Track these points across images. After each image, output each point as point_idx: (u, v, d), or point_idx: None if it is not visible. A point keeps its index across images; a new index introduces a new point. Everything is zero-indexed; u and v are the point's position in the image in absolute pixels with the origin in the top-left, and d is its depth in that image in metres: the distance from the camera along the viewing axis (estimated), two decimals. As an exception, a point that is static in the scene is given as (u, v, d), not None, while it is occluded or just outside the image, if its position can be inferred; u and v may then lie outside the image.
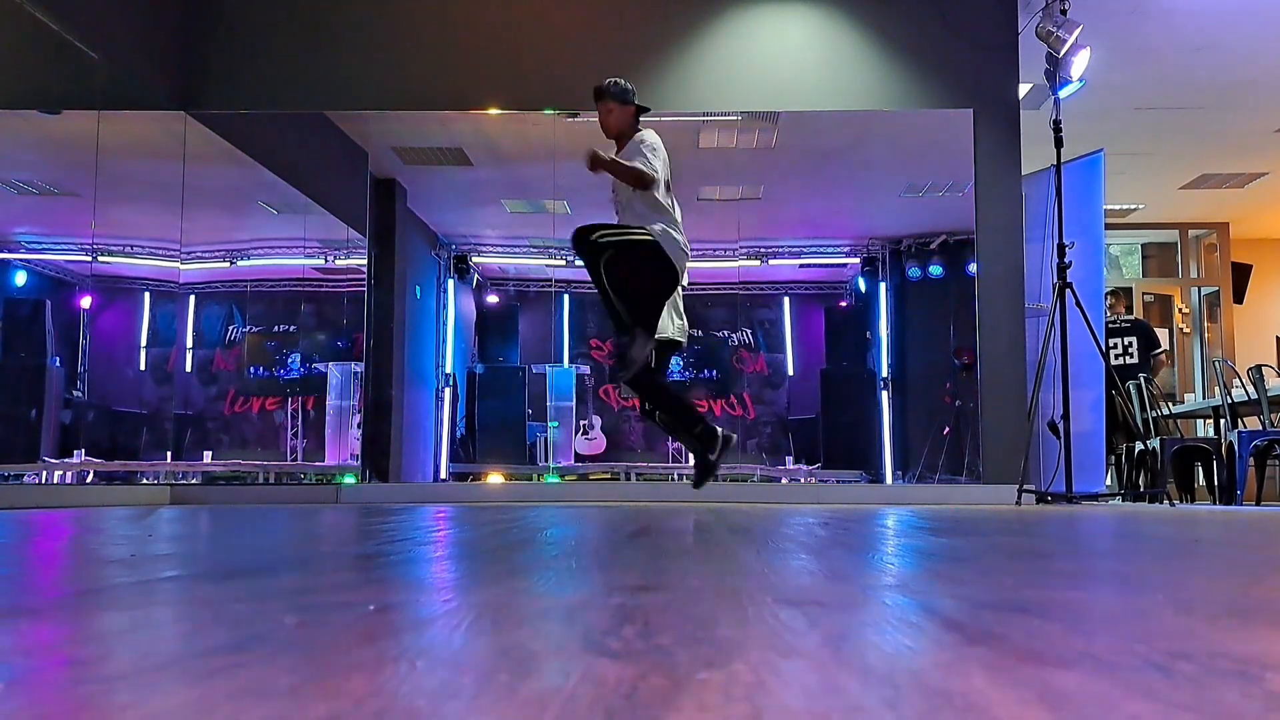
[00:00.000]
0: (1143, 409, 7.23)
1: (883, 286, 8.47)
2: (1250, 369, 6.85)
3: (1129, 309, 9.96)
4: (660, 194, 4.57)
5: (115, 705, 0.58)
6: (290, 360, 8.03)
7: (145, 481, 7.26)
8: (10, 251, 7.87)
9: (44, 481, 7.20)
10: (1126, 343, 8.00)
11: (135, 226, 7.81)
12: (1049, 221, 6.44)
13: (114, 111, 7.25)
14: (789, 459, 8.31)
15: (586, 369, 8.38)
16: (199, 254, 7.72)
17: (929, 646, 0.79)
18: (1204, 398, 10.65)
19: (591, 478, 8.09)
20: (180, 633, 0.92)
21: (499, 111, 7.28)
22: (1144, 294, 12.27)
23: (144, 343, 7.83)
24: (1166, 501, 6.19)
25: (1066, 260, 5.88)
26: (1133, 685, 0.64)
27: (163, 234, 7.49)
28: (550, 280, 8.32)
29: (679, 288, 4.88)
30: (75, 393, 7.57)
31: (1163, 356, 8.44)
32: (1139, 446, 7.05)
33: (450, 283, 8.77)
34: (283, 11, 7.25)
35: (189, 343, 7.85)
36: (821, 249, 8.77)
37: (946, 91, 7.07)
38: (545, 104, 7.16)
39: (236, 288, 8.07)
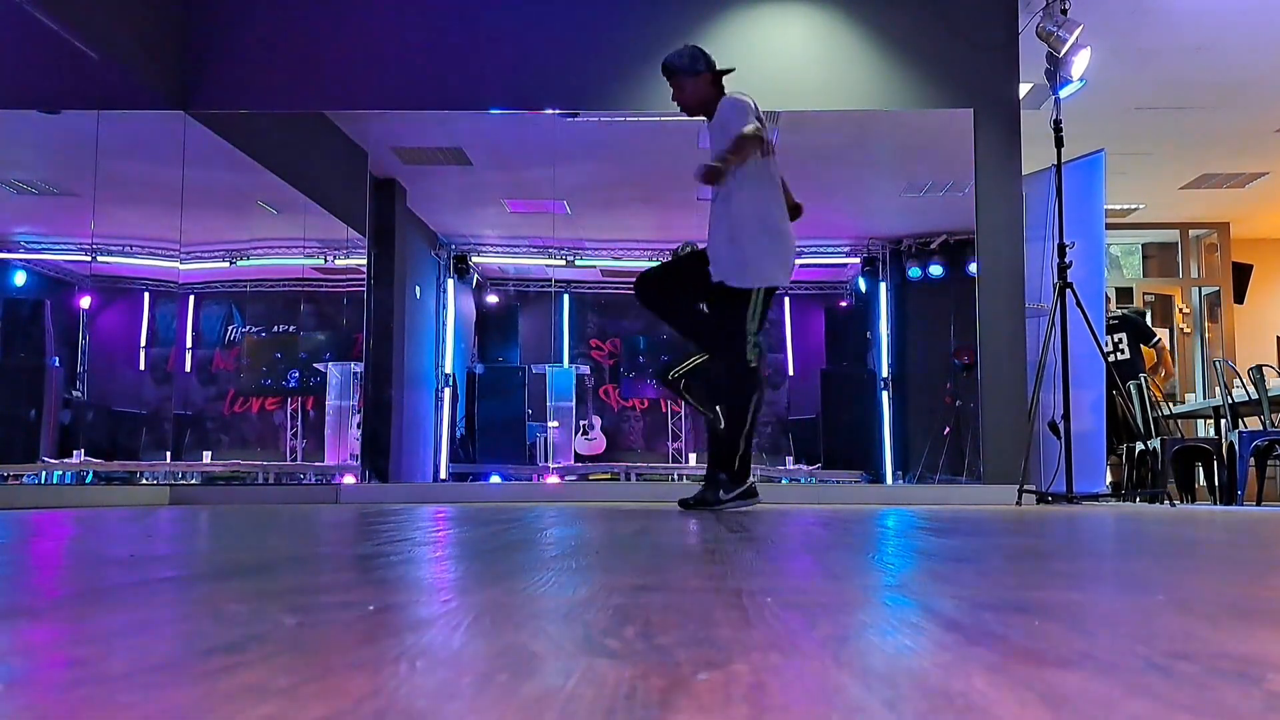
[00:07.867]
0: (1143, 409, 7.22)
1: (883, 286, 8.47)
2: (1251, 369, 6.85)
3: (1134, 307, 9.92)
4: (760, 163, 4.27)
5: (115, 705, 0.58)
6: (290, 360, 8.03)
7: (145, 482, 7.26)
8: (10, 251, 7.87)
9: (44, 481, 7.20)
10: (1115, 339, 7.92)
11: (134, 226, 7.81)
12: (1049, 221, 6.43)
13: (113, 111, 7.25)
14: (789, 459, 8.31)
15: (586, 369, 8.39)
16: (198, 254, 7.72)
17: (929, 647, 0.79)
18: (1204, 398, 10.65)
19: (591, 478, 8.09)
20: (180, 633, 0.92)
21: (499, 111, 7.28)
22: (1144, 294, 12.27)
23: (143, 343, 7.83)
24: (1167, 501, 6.18)
25: (1067, 260, 5.88)
26: (1133, 685, 0.64)
27: (162, 234, 7.49)
28: (550, 280, 8.33)
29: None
30: (75, 393, 7.57)
31: (1161, 344, 8.30)
32: (1139, 446, 7.05)
33: (450, 283, 8.77)
34: (283, 11, 7.25)
35: (188, 343, 7.85)
36: (821, 249, 8.75)
37: (946, 91, 7.07)
38: (545, 104, 7.15)
39: (236, 288, 8.07)
